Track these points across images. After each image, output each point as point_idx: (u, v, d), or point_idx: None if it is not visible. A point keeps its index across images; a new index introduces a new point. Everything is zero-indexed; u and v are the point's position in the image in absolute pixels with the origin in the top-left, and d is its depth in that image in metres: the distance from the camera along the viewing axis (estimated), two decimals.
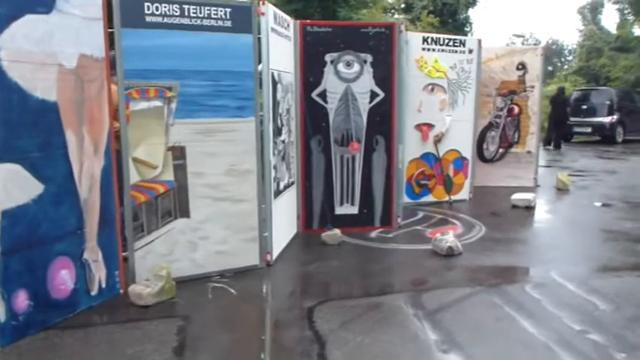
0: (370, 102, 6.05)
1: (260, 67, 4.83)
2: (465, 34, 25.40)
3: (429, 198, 7.62)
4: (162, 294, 4.16)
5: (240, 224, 4.78)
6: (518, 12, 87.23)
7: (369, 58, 5.98)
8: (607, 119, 16.65)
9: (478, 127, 8.73)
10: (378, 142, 6.12)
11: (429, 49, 7.31)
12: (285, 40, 5.44)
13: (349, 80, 5.96)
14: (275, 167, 5.11)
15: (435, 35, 7.46)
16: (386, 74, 6.02)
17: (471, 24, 25.66)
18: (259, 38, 4.80)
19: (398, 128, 6.15)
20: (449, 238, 5.37)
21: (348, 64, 5.94)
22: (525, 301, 4.16)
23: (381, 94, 6.05)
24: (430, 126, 7.45)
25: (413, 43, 7.19)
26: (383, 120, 6.09)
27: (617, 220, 6.72)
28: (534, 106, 8.86)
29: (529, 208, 7.37)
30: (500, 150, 9.00)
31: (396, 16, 25.54)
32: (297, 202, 6.04)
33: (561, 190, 8.79)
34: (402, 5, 26.45)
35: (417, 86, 7.29)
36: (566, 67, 37.54)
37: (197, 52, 4.45)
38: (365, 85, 6.00)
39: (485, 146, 8.98)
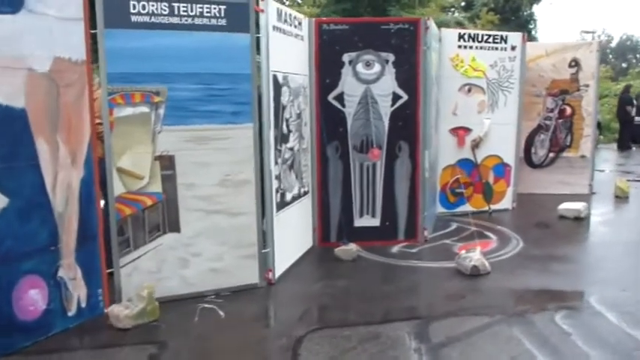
0: (392, 105, 5.55)
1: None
2: (529, 32, 24.13)
3: (466, 207, 7.00)
4: (143, 316, 3.85)
5: (237, 239, 4.42)
6: (588, 7, 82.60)
7: (391, 57, 5.48)
8: None
9: (526, 129, 8.05)
10: (401, 148, 5.60)
11: (465, 47, 6.70)
12: (295, 39, 5.04)
13: (369, 82, 5.49)
14: (278, 177, 4.71)
15: (472, 31, 6.85)
16: (410, 75, 5.50)
17: (535, 21, 24.32)
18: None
19: (423, 133, 5.61)
20: (474, 255, 4.79)
21: (368, 65, 5.47)
22: (552, 334, 3.57)
23: (405, 97, 5.53)
24: (467, 130, 6.83)
25: (447, 40, 6.61)
26: (406, 124, 5.57)
27: None
28: (589, 106, 8.02)
29: (578, 220, 6.61)
30: (551, 154, 8.21)
31: (456, 14, 24.60)
32: (313, 213, 5.63)
33: (620, 198, 7.90)
34: (462, 3, 25.46)
35: (452, 87, 6.70)
36: None
37: (188, 54, 4.12)
38: (386, 86, 5.51)
39: (533, 150, 8.23)
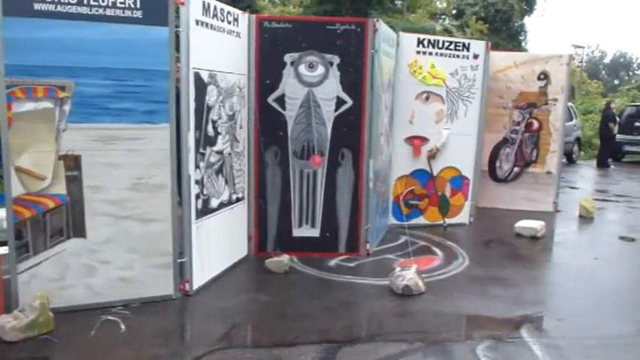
0: (336, 110, 5.26)
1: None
2: (519, 43, 23.99)
3: (420, 220, 6.71)
4: (34, 328, 3.55)
5: (150, 247, 4.12)
6: (581, 21, 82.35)
7: (336, 59, 5.19)
8: None
9: (491, 142, 7.78)
10: (344, 156, 5.31)
11: (424, 53, 6.41)
12: (229, 36, 4.73)
13: (312, 84, 5.20)
14: (200, 182, 4.40)
15: (432, 37, 6.56)
16: (356, 79, 5.21)
17: (526, 32, 24.15)
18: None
19: (368, 141, 5.32)
20: (408, 274, 4.49)
21: (311, 66, 5.18)
22: None
23: (349, 102, 5.24)
24: (423, 140, 6.54)
25: (406, 44, 6.33)
26: (350, 131, 5.28)
27: (638, 261, 5.60)
28: (557, 121, 7.75)
29: (534, 239, 6.33)
30: (516, 169, 7.94)
31: (447, 21, 24.39)
32: (249, 221, 5.32)
33: (584, 217, 7.62)
34: (454, 11, 25.30)
35: (409, 94, 6.41)
36: (633, 81, 34.93)
37: (98, 47, 3.82)
38: (330, 90, 5.21)
39: (498, 164, 7.95)
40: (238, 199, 5.11)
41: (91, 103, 3.84)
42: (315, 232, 5.41)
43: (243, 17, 4.97)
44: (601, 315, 4.16)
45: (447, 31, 19.47)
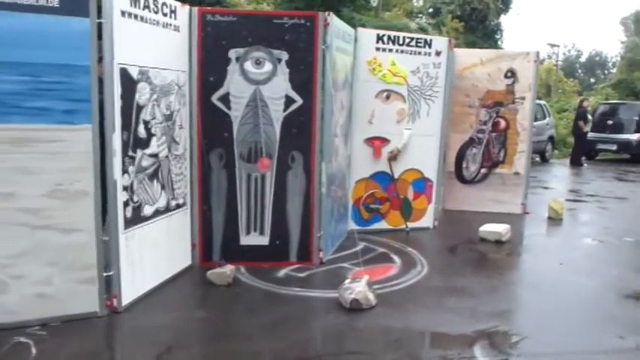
0: (285, 110, 4.92)
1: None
2: (496, 42, 23.89)
3: (382, 225, 6.40)
4: None
5: (72, 260, 3.74)
6: (557, 20, 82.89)
7: (285, 55, 4.85)
8: (634, 136, 14.85)
9: (458, 142, 7.52)
10: (294, 158, 4.98)
11: (384, 49, 6.10)
12: (164, 29, 4.36)
13: (259, 82, 4.85)
14: (129, 188, 4.03)
15: (393, 33, 6.25)
16: (305, 76, 4.88)
17: (501, 31, 24.04)
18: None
19: (320, 143, 4.99)
20: (357, 286, 4.17)
21: (258, 63, 4.83)
22: None
23: (299, 101, 4.91)
24: (384, 140, 6.23)
25: (364, 41, 6.02)
26: (301, 132, 4.95)
27: (606, 266, 5.38)
28: (524, 120, 7.51)
29: (499, 243, 6.07)
30: (483, 170, 7.69)
31: (424, 20, 24.20)
32: (193, 229, 4.96)
33: (553, 219, 7.40)
34: (430, 10, 25.13)
35: (368, 93, 6.10)
36: (608, 79, 35.16)
37: (7, 38, 3.43)
38: (278, 88, 4.88)
39: (464, 165, 7.68)
40: (179, 206, 4.74)
41: (1, 102, 3.45)
42: (264, 240, 5.07)
43: (183, 9, 4.61)
44: (565, 328, 3.89)
45: (422, 30, 19.20)
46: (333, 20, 4.99)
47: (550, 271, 5.21)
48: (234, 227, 5.02)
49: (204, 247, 5.03)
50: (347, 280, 4.33)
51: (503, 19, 26.37)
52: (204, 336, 3.70)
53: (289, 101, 4.90)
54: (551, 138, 14.62)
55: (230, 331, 3.77)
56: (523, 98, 7.45)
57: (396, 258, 5.44)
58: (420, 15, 24.63)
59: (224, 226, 5.02)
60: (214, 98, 4.85)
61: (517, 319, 4.11)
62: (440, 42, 6.39)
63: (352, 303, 4.10)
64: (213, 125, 4.87)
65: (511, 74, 7.41)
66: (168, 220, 4.60)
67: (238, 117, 4.88)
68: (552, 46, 26.15)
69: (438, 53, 6.33)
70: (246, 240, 5.06)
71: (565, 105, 20.37)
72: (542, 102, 15.32)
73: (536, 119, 13.43)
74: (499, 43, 23.49)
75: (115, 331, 3.75)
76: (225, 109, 4.87)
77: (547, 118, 14.37)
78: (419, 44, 6.24)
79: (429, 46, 6.28)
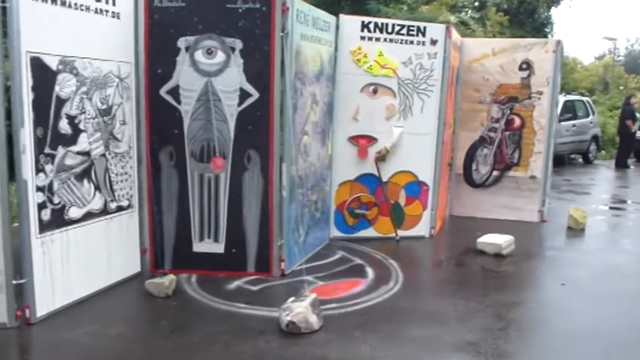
0: (240, 104, 4.44)
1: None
2: (545, 36, 22.53)
3: (369, 232, 5.82)
4: None
5: None
6: (616, 12, 77.36)
7: (239, 44, 4.37)
8: None
9: (467, 141, 6.83)
10: (250, 158, 4.50)
11: (370, 38, 5.51)
12: (98, 15, 3.97)
13: (210, 74, 4.39)
14: (48, 188, 3.66)
15: (381, 20, 5.65)
16: (262, 67, 4.38)
17: (552, 24, 22.65)
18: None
19: (280, 141, 4.48)
20: (297, 307, 3.64)
21: (209, 52, 4.37)
22: None
23: (255, 95, 4.42)
24: (370, 139, 5.65)
25: (347, 29, 5.46)
26: (258, 129, 4.45)
27: (624, 292, 4.55)
28: (542, 118, 6.70)
29: (499, 257, 5.35)
30: (495, 172, 6.93)
31: (470, 14, 23.13)
32: (143, 232, 4.57)
33: (573, 229, 6.57)
34: (476, 3, 23.99)
35: (353, 86, 5.52)
36: None
37: None
38: (232, 81, 4.40)
39: (474, 167, 6.96)
40: (122, 208, 4.35)
41: None
42: (219, 248, 4.61)
43: None
44: None
45: (462, 24, 18.29)
46: (295, 4, 4.45)
47: (548, 294, 4.52)
48: (187, 233, 4.60)
49: (155, 254, 4.63)
50: (290, 299, 3.79)
51: (554, 12, 24.86)
52: (103, 356, 3.26)
53: (244, 95, 4.42)
54: (595, 137, 13.44)
55: (136, 353, 3.32)
56: (540, 93, 6.65)
57: (370, 271, 4.86)
58: (465, 9, 23.54)
59: (175, 231, 4.60)
60: (163, 91, 4.43)
61: (485, 356, 3.44)
62: (435, 29, 5.72)
63: (289, 326, 3.57)
64: (162, 121, 4.46)
65: (527, 66, 6.63)
66: (107, 223, 4.22)
67: (189, 112, 4.44)
68: (609, 39, 24.33)
69: (433, 42, 5.67)
70: (199, 247, 4.62)
71: (617, 102, 18.85)
72: (586, 98, 14.14)
73: (577, 117, 12.49)
74: (549, 37, 22.10)
75: (19, 345, 3.40)
76: (174, 104, 4.44)
77: (590, 116, 13.21)
78: (411, 32, 5.60)
79: (423, 35, 5.64)
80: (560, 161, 12.61)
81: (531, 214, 6.83)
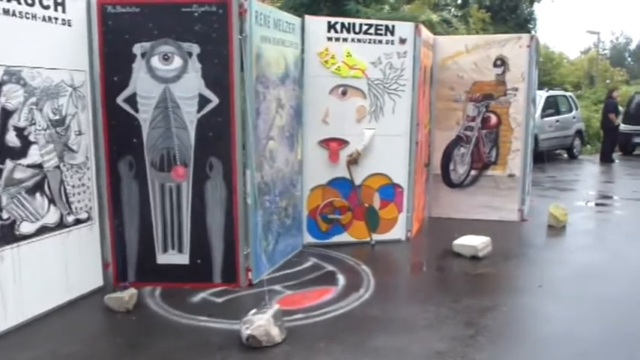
0: (199, 111, 4.31)
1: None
2: (529, 32, 22.50)
3: (344, 237, 5.69)
4: None
5: None
6: (598, 6, 77.10)
7: (196, 49, 4.24)
8: None
9: (444, 140, 6.73)
10: (212, 166, 4.36)
11: (337, 39, 5.39)
12: (46, 23, 3.83)
13: (168, 80, 4.26)
14: None
15: (348, 20, 5.52)
16: (221, 72, 4.25)
17: (535, 20, 22.62)
18: None
19: (241, 147, 4.35)
20: (259, 319, 3.50)
21: (166, 58, 4.24)
22: None
23: (215, 100, 4.28)
24: (341, 142, 5.52)
25: (313, 30, 5.33)
26: (219, 136, 4.32)
27: (603, 295, 4.41)
28: (518, 114, 6.60)
29: (475, 260, 5.24)
30: (472, 172, 6.83)
31: (453, 12, 23.08)
32: (104, 245, 4.43)
33: (554, 228, 6.47)
34: (459, 1, 23.97)
35: (321, 89, 5.40)
36: None
37: None
38: (190, 86, 4.27)
39: (452, 166, 6.85)
40: (80, 221, 4.20)
41: None
42: (184, 259, 4.47)
43: (75, 1, 4.05)
44: None
45: (445, 22, 18.19)
46: (253, 6, 4.32)
47: (523, 297, 4.38)
48: (150, 244, 4.46)
49: (118, 267, 4.49)
50: (252, 311, 3.66)
51: (537, 7, 24.83)
52: None
53: (204, 101, 4.28)
54: (579, 132, 13.38)
55: None
56: (516, 89, 6.55)
57: (341, 278, 4.73)
58: (448, 7, 23.50)
59: (138, 243, 4.46)
60: (120, 100, 4.29)
61: None
62: (404, 28, 5.60)
63: (249, 340, 3.44)
64: (120, 130, 4.32)
65: (501, 62, 6.53)
66: (65, 237, 4.07)
67: (147, 120, 4.31)
68: (592, 33, 24.34)
69: (402, 41, 5.56)
70: (163, 259, 4.48)
71: (602, 96, 18.82)
72: (569, 93, 14.10)
73: (560, 112, 12.43)
74: (533, 33, 22.11)
75: None
76: (132, 112, 4.30)
77: (574, 111, 13.16)
78: (379, 32, 5.48)
79: (392, 34, 5.52)
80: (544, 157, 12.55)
81: (511, 213, 6.73)
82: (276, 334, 3.51)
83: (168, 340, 3.58)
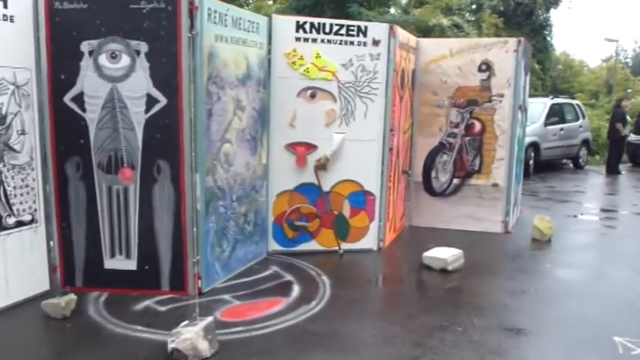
0: (147, 111, 4.15)
1: None
2: (544, 38, 22.08)
3: (312, 245, 5.49)
4: None
5: None
6: (619, 14, 75.03)
7: (144, 47, 4.09)
8: None
9: (425, 148, 6.49)
10: (160, 169, 4.20)
11: (306, 39, 5.20)
12: None
13: (115, 79, 4.11)
14: None
15: (317, 20, 5.32)
16: (169, 71, 4.09)
17: (551, 26, 22.14)
18: None
19: (190, 150, 4.18)
20: (186, 332, 3.32)
21: (114, 56, 4.09)
22: None
23: (163, 101, 4.13)
24: (309, 147, 5.33)
25: (281, 30, 5.14)
26: (167, 138, 4.16)
27: (579, 313, 4.17)
28: (503, 122, 6.32)
29: (445, 273, 4.99)
30: (455, 180, 6.56)
31: (467, 16, 22.74)
32: (52, 249, 4.30)
33: (538, 241, 6.18)
34: (473, 6, 23.64)
35: (289, 91, 5.22)
36: None
37: None
38: (138, 86, 4.12)
39: (434, 174, 6.60)
40: (22, 223, 4.08)
41: None
42: (132, 265, 4.32)
43: None
44: None
45: (456, 27, 17.91)
46: (206, 3, 4.15)
47: (484, 317, 4.09)
48: (97, 249, 4.31)
49: (65, 271, 4.35)
50: (183, 323, 3.48)
51: (553, 14, 24.30)
52: None
53: (152, 101, 4.13)
54: (585, 142, 12.95)
55: None
56: (501, 95, 6.28)
57: (296, 289, 4.52)
58: (462, 12, 23.19)
59: (85, 247, 4.32)
60: (67, 99, 4.16)
61: None
62: (378, 29, 5.39)
63: (173, 353, 3.27)
64: (67, 130, 4.19)
65: (486, 67, 6.27)
66: (3, 240, 3.94)
67: (94, 120, 4.16)
68: (610, 41, 23.71)
69: (375, 42, 5.35)
70: (110, 264, 4.33)
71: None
72: (576, 102, 13.67)
73: (565, 121, 12.05)
74: (548, 39, 21.66)
75: None
76: (79, 112, 4.17)
77: (580, 120, 12.74)
78: (350, 32, 5.28)
79: (364, 35, 5.31)
80: (550, 167, 12.19)
81: (494, 224, 6.46)
82: (205, 348, 3.32)
83: (94, 351, 3.43)
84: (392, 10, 17.72)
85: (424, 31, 15.23)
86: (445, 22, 17.52)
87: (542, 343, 3.68)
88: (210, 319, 3.51)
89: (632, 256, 5.82)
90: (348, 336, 3.70)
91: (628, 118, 12.34)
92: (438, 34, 14.80)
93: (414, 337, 3.69)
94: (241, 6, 13.02)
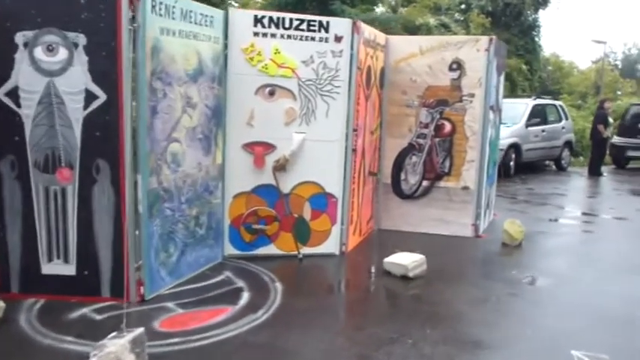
0: (86, 107, 3.93)
1: None
2: (532, 39, 21.94)
3: (270, 249, 5.27)
4: None
5: None
6: (608, 16, 75.22)
7: (82, 39, 3.86)
8: None
9: (394, 149, 6.29)
10: (99, 169, 3.97)
11: (265, 34, 4.98)
12: None
13: (52, 73, 3.89)
14: None
15: (276, 14, 5.10)
16: (109, 66, 3.87)
17: (539, 27, 21.99)
18: None
19: (131, 149, 3.96)
20: (112, 345, 3.09)
21: (50, 49, 3.86)
22: None
23: (102, 97, 3.90)
24: (268, 147, 5.11)
25: (238, 24, 4.93)
26: (106, 136, 3.94)
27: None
28: (474, 122, 6.13)
29: (406, 280, 4.79)
30: (424, 183, 6.37)
31: (456, 16, 22.56)
32: None
33: (507, 246, 5.99)
34: (462, 6, 23.45)
35: (246, 88, 5.00)
36: None
37: None
38: (76, 81, 3.90)
39: (403, 176, 6.41)
40: None
41: None
42: (70, 270, 4.09)
43: None
44: None
45: (443, 26, 17.73)
46: None
47: (439, 327, 3.87)
48: (34, 252, 4.08)
49: (1, 276, 4.11)
50: (110, 335, 3.25)
51: (542, 15, 24.13)
52: None
53: (90, 97, 3.90)
54: (568, 143, 12.80)
55: None
56: (472, 95, 6.09)
57: (245, 297, 4.30)
58: (450, 11, 23.00)
59: (21, 250, 4.09)
60: (1, 93, 3.92)
61: None
62: (340, 25, 5.19)
63: None
64: (1, 127, 3.95)
65: (457, 66, 6.08)
66: None
67: (30, 116, 3.93)
68: (598, 42, 23.59)
69: (338, 39, 5.14)
70: (48, 268, 4.09)
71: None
72: (558, 102, 13.52)
73: (547, 122, 11.89)
74: (536, 40, 21.52)
75: None
76: (14, 107, 3.93)
77: (563, 121, 12.59)
78: (311, 28, 5.07)
79: (326, 30, 5.10)
80: (531, 168, 12.04)
81: (464, 228, 6.26)
82: None
83: None
84: (379, 9, 17.49)
85: (411, 30, 15.04)
86: (432, 21, 17.36)
87: (495, 357, 3.49)
88: (140, 330, 3.27)
89: (606, 261, 5.63)
90: (290, 349, 3.50)
91: (611, 120, 12.20)
92: (425, 34, 14.59)
93: (359, 350, 3.49)
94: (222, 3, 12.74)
